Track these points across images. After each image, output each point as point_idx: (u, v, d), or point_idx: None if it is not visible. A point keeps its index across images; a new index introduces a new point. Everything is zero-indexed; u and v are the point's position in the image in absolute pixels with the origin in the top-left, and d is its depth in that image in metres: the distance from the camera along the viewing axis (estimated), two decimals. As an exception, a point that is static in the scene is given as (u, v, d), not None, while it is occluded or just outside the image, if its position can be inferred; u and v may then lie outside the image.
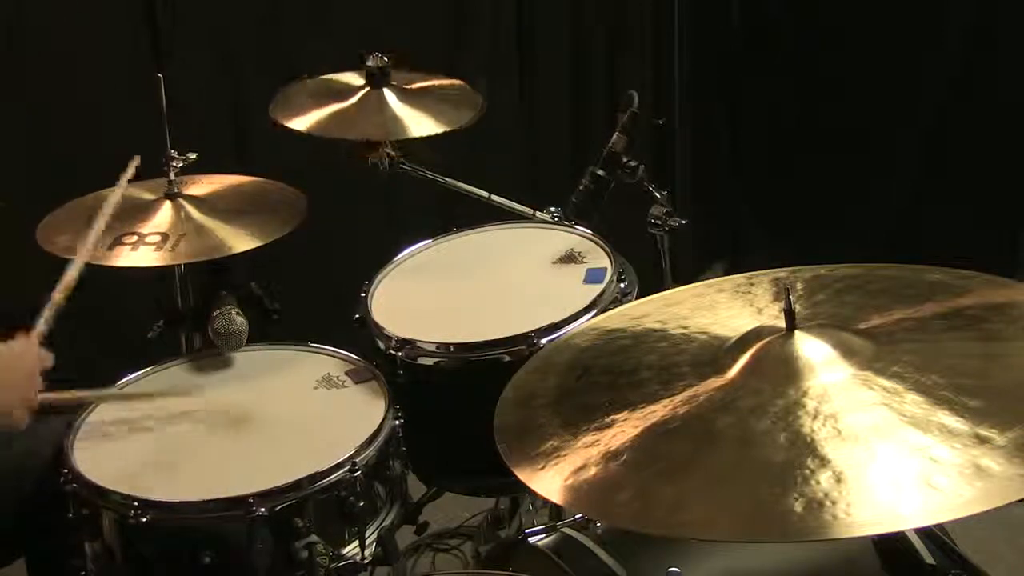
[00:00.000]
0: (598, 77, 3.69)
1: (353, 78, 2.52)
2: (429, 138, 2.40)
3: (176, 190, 2.23)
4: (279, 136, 2.44)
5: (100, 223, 2.02)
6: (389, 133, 2.43)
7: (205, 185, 2.34)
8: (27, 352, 1.76)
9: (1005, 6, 3.35)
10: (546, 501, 2.22)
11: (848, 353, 1.35)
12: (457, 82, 2.62)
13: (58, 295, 1.88)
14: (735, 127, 3.92)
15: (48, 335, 1.83)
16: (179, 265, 2.24)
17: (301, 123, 2.40)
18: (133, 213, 2.20)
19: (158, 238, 2.14)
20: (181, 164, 2.25)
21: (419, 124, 2.42)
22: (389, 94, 2.47)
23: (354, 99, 2.47)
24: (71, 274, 1.92)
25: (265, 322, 2.23)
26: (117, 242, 2.12)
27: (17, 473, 1.94)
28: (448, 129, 2.42)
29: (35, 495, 1.93)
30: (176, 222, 2.18)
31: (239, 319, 2.09)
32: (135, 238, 2.14)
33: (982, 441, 1.19)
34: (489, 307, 2.18)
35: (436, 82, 2.61)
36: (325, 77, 2.56)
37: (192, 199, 2.25)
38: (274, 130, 2.43)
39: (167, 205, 2.22)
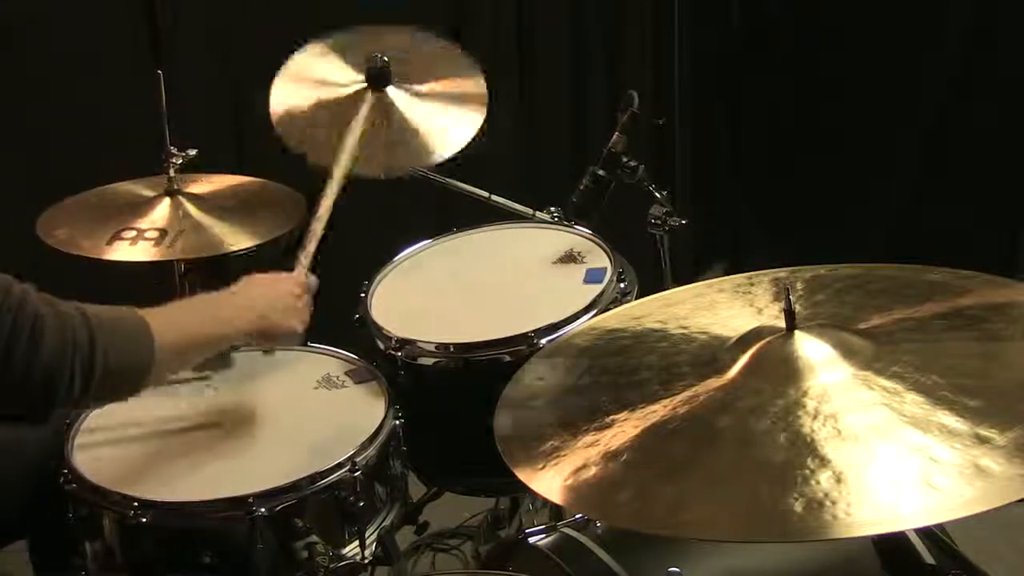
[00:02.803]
0: (598, 77, 3.69)
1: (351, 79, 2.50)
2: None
3: (176, 187, 2.23)
4: (279, 137, 2.43)
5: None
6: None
7: (205, 184, 2.34)
8: (291, 278, 1.93)
9: (1005, 6, 3.35)
10: (546, 501, 2.22)
11: (848, 353, 1.35)
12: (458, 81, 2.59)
13: (316, 224, 2.04)
14: (735, 127, 3.92)
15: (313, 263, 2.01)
16: (179, 263, 2.25)
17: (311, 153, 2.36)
18: (132, 209, 2.20)
19: (156, 234, 2.14)
20: (181, 161, 2.25)
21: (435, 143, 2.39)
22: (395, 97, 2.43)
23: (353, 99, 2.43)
24: (326, 202, 2.06)
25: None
26: (116, 237, 2.12)
27: (17, 473, 1.94)
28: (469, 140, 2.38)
29: (37, 493, 1.93)
30: (175, 219, 2.18)
31: (239, 319, 2.09)
32: (134, 233, 2.14)
33: (982, 441, 1.19)
34: (489, 307, 2.18)
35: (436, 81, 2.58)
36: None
37: (191, 196, 2.25)
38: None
39: (166, 202, 2.22)
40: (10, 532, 1.98)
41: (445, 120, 2.42)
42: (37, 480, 1.90)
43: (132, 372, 1.60)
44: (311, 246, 2.03)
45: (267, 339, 1.88)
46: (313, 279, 1.97)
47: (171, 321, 1.67)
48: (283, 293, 1.87)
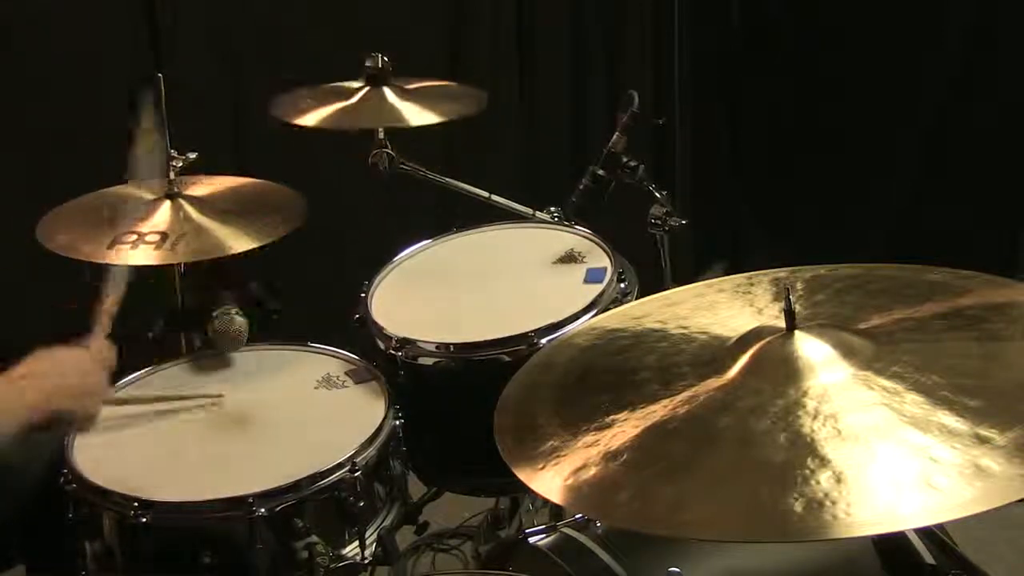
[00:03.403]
0: (598, 77, 3.70)
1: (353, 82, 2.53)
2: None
3: (176, 190, 2.23)
4: (279, 136, 2.44)
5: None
6: (386, 121, 2.44)
7: (205, 185, 2.34)
8: (83, 354, 1.75)
9: (1005, 6, 3.35)
10: (546, 501, 2.22)
11: (848, 353, 1.35)
12: (454, 84, 2.63)
13: (109, 303, 1.88)
14: (735, 127, 3.92)
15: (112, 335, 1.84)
16: (179, 265, 2.25)
17: (301, 119, 2.42)
18: (133, 212, 2.20)
19: (157, 237, 2.14)
20: (181, 164, 2.25)
21: (419, 115, 2.44)
22: (388, 92, 2.49)
23: (354, 99, 2.48)
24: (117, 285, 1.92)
25: (265, 322, 2.23)
26: (116, 241, 2.12)
27: (17, 473, 1.94)
28: (448, 119, 2.43)
29: (35, 495, 1.93)
30: (175, 222, 2.18)
31: (239, 319, 2.09)
32: (134, 237, 2.14)
33: (982, 441, 1.19)
34: (489, 307, 2.18)
35: (435, 83, 2.62)
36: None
37: (192, 199, 2.25)
38: (275, 128, 2.43)
39: (167, 205, 2.22)
40: (10, 538, 1.98)
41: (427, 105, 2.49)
42: (38, 484, 1.90)
43: None
44: (108, 316, 1.86)
45: (58, 417, 1.67)
46: (109, 351, 1.80)
47: None
48: (76, 368, 1.69)
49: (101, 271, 1.96)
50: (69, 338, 1.76)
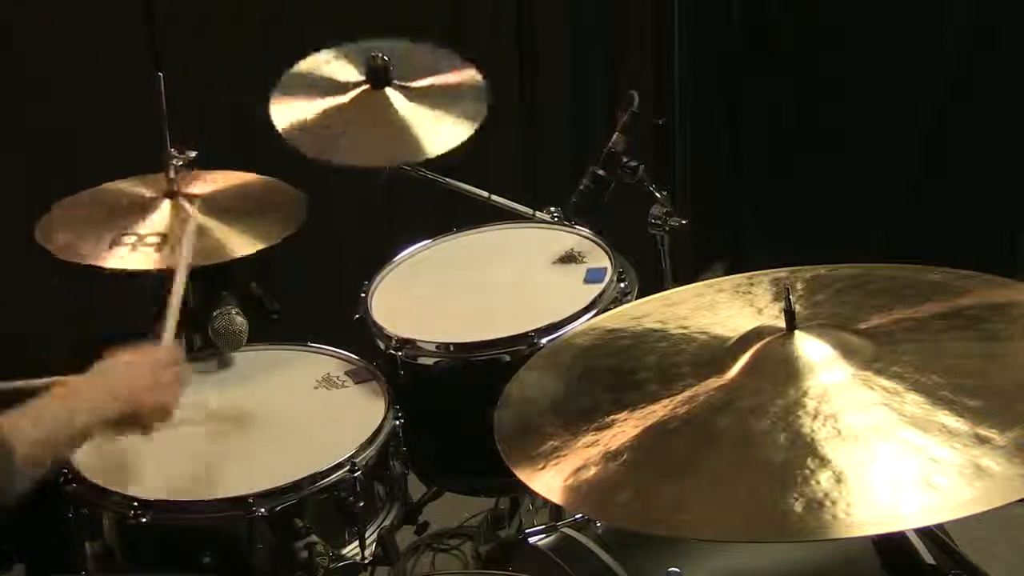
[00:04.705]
0: (598, 77, 3.69)
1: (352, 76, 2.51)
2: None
3: (176, 188, 2.23)
4: (279, 136, 2.43)
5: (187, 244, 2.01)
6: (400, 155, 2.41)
7: (205, 185, 2.33)
8: (157, 352, 1.77)
9: (1005, 6, 3.35)
10: (546, 501, 2.22)
11: (848, 353, 1.35)
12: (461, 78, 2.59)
13: (175, 298, 1.88)
14: (735, 127, 3.92)
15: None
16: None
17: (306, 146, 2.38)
18: (132, 212, 2.20)
19: (157, 239, 2.13)
20: (181, 162, 2.25)
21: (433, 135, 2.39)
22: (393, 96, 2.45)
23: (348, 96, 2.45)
24: (180, 277, 1.92)
25: (265, 322, 2.22)
26: (116, 242, 2.12)
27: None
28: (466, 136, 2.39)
29: (34, 495, 1.92)
30: (175, 222, 2.18)
31: (239, 319, 2.09)
32: (134, 239, 2.13)
33: (982, 441, 1.19)
34: (489, 307, 2.18)
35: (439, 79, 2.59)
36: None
37: (192, 199, 2.24)
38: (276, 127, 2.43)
39: (166, 204, 2.22)
40: (10, 537, 1.97)
41: (442, 117, 2.42)
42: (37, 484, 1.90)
43: None
44: (173, 316, 1.87)
45: (136, 422, 1.70)
46: (178, 351, 1.83)
47: (27, 431, 1.55)
48: (149, 370, 1.72)
49: (163, 279, 1.96)
50: (136, 340, 1.78)
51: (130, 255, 2.09)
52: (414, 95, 2.46)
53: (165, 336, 1.82)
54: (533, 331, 2.00)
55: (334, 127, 2.40)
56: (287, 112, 2.42)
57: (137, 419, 1.68)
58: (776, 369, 1.35)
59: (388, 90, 2.45)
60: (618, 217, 2.36)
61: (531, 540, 1.67)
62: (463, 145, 2.40)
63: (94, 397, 1.64)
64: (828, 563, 1.55)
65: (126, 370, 1.69)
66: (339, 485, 1.82)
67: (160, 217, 2.18)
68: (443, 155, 2.43)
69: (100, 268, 2.08)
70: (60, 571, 1.93)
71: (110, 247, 2.10)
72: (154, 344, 1.79)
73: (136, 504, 1.75)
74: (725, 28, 3.80)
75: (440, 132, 2.39)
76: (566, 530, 1.65)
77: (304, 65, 2.53)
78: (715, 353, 1.44)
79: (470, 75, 2.52)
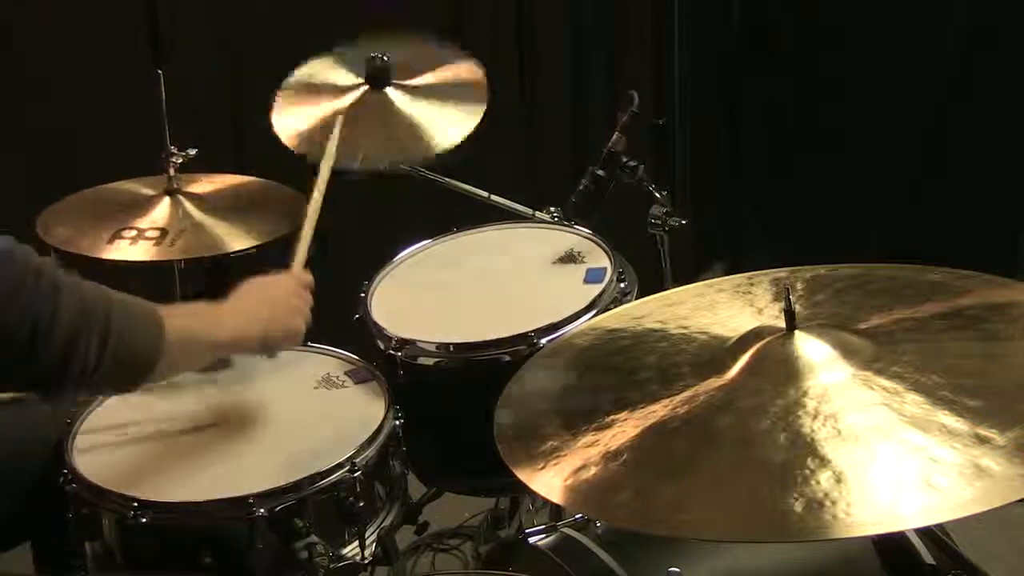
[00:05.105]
0: (598, 77, 3.70)
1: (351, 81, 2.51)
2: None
3: (176, 186, 2.24)
4: (279, 137, 2.43)
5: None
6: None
7: (205, 184, 2.34)
8: (291, 277, 1.91)
9: (1005, 6, 3.35)
10: (546, 501, 2.22)
11: (848, 353, 1.35)
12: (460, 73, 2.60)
13: (309, 220, 2.00)
14: (735, 127, 3.92)
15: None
16: (179, 261, 2.25)
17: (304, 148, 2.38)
18: (133, 208, 2.21)
19: (157, 233, 2.14)
20: (181, 160, 2.25)
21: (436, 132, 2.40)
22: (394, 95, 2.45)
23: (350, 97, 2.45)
24: (317, 197, 2.02)
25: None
26: (116, 236, 2.13)
27: (16, 469, 1.94)
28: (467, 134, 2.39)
29: (36, 490, 1.93)
30: (175, 218, 2.18)
31: (239, 319, 2.08)
32: (134, 233, 2.14)
33: (982, 441, 1.19)
34: (489, 307, 2.18)
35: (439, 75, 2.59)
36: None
37: (191, 196, 2.25)
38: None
39: (166, 201, 2.23)
40: (10, 535, 1.98)
41: (444, 113, 2.43)
42: (38, 481, 1.90)
43: (140, 358, 1.59)
44: (305, 242, 1.99)
45: (272, 344, 1.84)
46: (309, 276, 1.94)
47: (180, 320, 1.66)
48: (285, 294, 1.84)
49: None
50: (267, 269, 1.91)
51: (130, 248, 2.10)
52: (415, 93, 2.46)
53: (297, 261, 1.94)
54: (533, 331, 2.00)
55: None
56: (288, 121, 2.42)
57: (270, 342, 1.82)
58: (776, 369, 1.35)
59: (389, 90, 2.46)
60: (618, 217, 2.36)
61: (531, 540, 1.67)
62: (463, 145, 2.40)
63: (236, 318, 1.76)
64: (828, 563, 1.55)
65: (264, 295, 1.81)
66: (339, 485, 1.81)
67: (160, 213, 2.19)
68: (444, 155, 2.44)
69: (100, 261, 2.09)
70: (60, 571, 1.93)
71: (110, 241, 2.11)
72: (286, 271, 1.92)
73: (136, 504, 1.75)
74: (725, 28, 3.80)
75: (444, 127, 2.40)
76: (566, 530, 1.65)
77: (303, 71, 2.52)
78: (715, 353, 1.44)
79: (469, 68, 2.53)
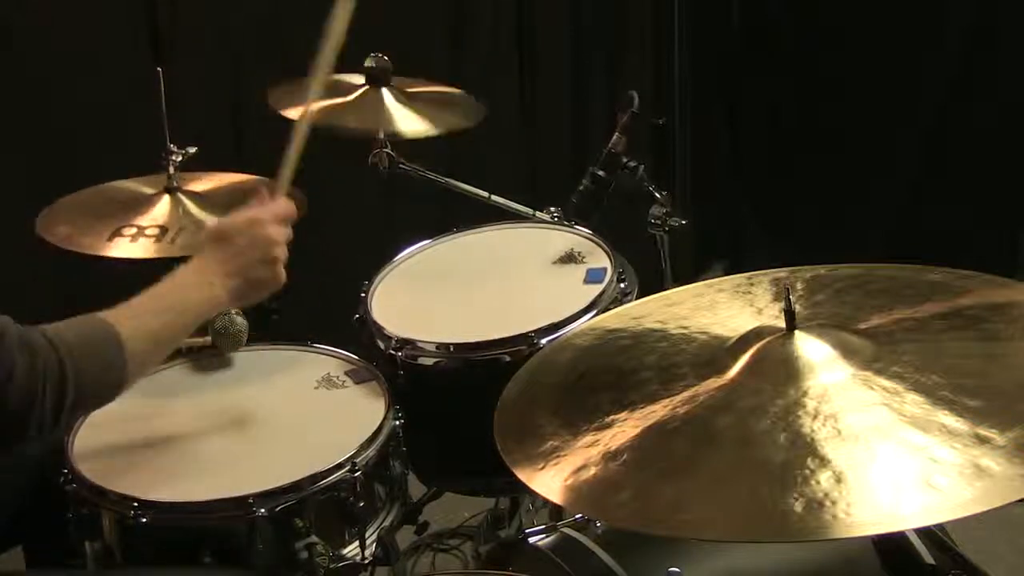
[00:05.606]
0: (598, 77, 3.70)
1: (353, 78, 2.53)
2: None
3: (175, 184, 2.24)
4: (279, 135, 2.43)
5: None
6: (384, 126, 2.44)
7: (205, 182, 2.34)
8: (266, 215, 1.77)
9: (1005, 6, 3.35)
10: (546, 501, 2.22)
11: (848, 353, 1.35)
12: (457, 90, 2.64)
13: (294, 144, 1.87)
14: (735, 127, 3.92)
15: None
16: (179, 259, 2.24)
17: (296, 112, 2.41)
18: (133, 206, 2.21)
19: (157, 231, 2.15)
20: (180, 158, 2.25)
21: (416, 124, 2.45)
22: (387, 94, 2.49)
23: (352, 96, 2.49)
24: (304, 119, 1.90)
25: (265, 322, 2.23)
26: (116, 233, 2.13)
27: (15, 469, 1.94)
28: (443, 132, 2.43)
29: (35, 490, 1.93)
30: (175, 216, 2.19)
31: (239, 319, 2.09)
32: (134, 230, 2.15)
33: (982, 441, 1.19)
34: (489, 307, 2.18)
35: (435, 88, 2.62)
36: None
37: (191, 194, 2.25)
38: (276, 126, 2.42)
39: (166, 199, 2.23)
40: (10, 535, 1.98)
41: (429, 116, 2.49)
42: (37, 481, 1.90)
43: (105, 387, 1.58)
44: (290, 167, 1.85)
45: (247, 298, 1.75)
46: (291, 206, 1.81)
47: (138, 321, 1.60)
48: (253, 241, 1.72)
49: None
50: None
51: (130, 246, 2.11)
52: (407, 97, 2.52)
53: (279, 187, 1.83)
54: (533, 331, 2.00)
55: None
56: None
57: (244, 297, 1.74)
58: (776, 369, 1.35)
59: (384, 90, 2.51)
60: (618, 217, 2.36)
61: (531, 540, 1.67)
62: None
63: (201, 290, 1.68)
64: (828, 563, 1.55)
65: (232, 246, 1.71)
66: (339, 485, 1.81)
67: (160, 211, 2.20)
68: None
69: (100, 259, 2.09)
70: (59, 571, 1.93)
71: (110, 238, 2.11)
72: (268, 198, 1.79)
73: (136, 504, 1.75)
74: (725, 28, 3.80)
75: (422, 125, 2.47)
76: (566, 530, 1.65)
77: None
78: (715, 353, 1.44)
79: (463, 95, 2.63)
